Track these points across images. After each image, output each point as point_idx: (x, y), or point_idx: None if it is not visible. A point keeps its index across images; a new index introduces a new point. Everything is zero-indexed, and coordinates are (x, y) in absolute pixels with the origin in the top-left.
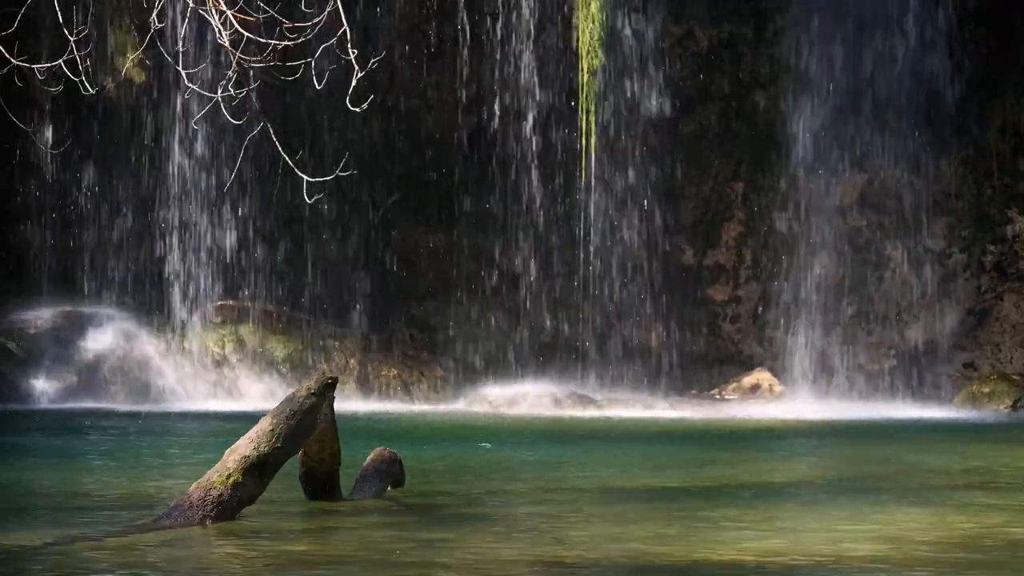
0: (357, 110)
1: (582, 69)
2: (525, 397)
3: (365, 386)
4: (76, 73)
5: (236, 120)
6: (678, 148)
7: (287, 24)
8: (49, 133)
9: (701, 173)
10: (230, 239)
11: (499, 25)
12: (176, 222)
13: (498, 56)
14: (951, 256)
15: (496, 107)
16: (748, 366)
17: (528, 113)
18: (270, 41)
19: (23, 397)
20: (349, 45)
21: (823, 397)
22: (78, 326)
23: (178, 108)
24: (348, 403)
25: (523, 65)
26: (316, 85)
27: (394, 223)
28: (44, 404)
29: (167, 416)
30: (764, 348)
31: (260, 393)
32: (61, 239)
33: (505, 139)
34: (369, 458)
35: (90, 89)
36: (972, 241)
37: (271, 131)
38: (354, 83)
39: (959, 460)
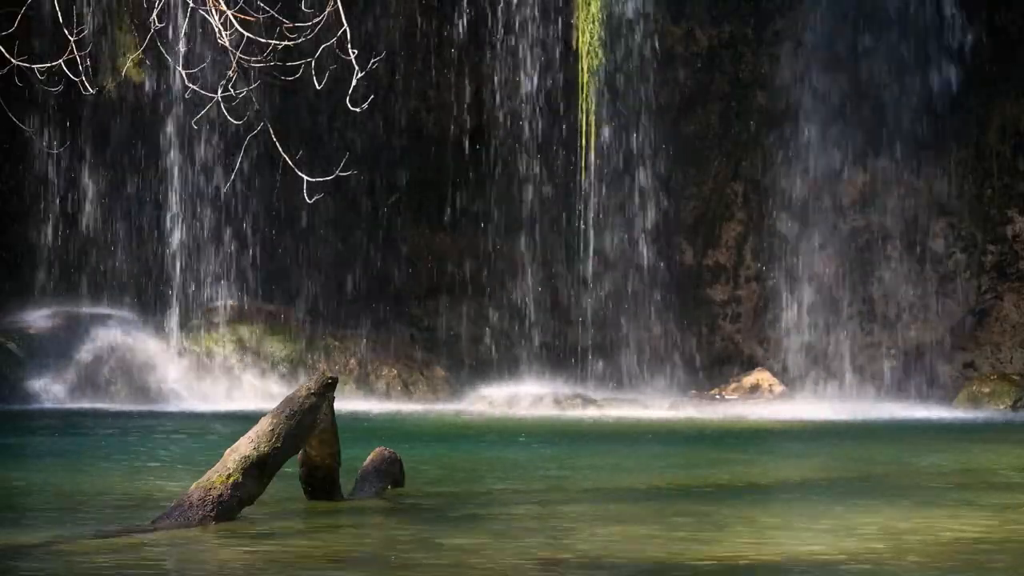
0: (357, 110)
1: (582, 69)
2: (525, 397)
3: (365, 386)
4: (76, 73)
5: (236, 120)
6: (678, 148)
7: (287, 24)
8: (49, 133)
9: (701, 173)
10: (230, 239)
11: (499, 25)
12: (176, 222)
13: (498, 56)
14: (951, 256)
15: (496, 107)
16: (748, 366)
17: (528, 113)
18: (270, 41)
19: (23, 397)
20: (349, 45)
21: (823, 397)
22: (78, 326)
23: (178, 108)
24: (348, 403)
25: (523, 65)
26: (316, 85)
27: (394, 223)
28: (44, 404)
29: (167, 416)
30: (764, 348)
31: (260, 393)
32: (61, 239)
33: (505, 139)
34: (369, 458)
35: (90, 89)
36: (972, 241)
37: (271, 131)
38: (354, 83)
39: (959, 460)
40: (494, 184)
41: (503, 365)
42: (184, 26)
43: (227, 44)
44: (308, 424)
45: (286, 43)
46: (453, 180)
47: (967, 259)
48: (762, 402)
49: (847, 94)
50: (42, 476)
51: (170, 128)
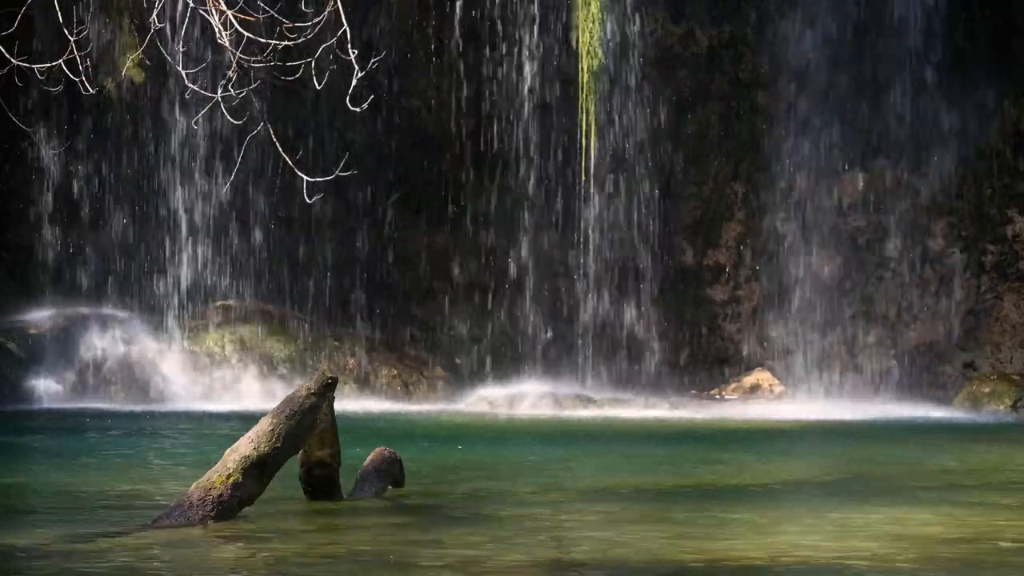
0: (357, 110)
1: (582, 69)
2: (525, 397)
3: (365, 386)
4: (76, 73)
5: (236, 120)
6: (678, 148)
7: (287, 24)
8: (49, 133)
9: (701, 173)
10: (230, 239)
11: (499, 25)
12: (176, 222)
13: (498, 56)
14: (951, 256)
15: (496, 107)
16: (748, 366)
17: (528, 113)
18: (270, 41)
19: (23, 397)
20: (349, 45)
21: (823, 397)
22: (78, 326)
23: (178, 108)
24: (348, 403)
25: (523, 65)
26: (316, 85)
27: (394, 223)
28: (44, 404)
29: (167, 416)
30: (764, 348)
31: (260, 393)
32: (61, 239)
33: (505, 139)
34: (369, 458)
35: (90, 89)
36: (972, 241)
37: (271, 131)
38: (354, 83)
39: (959, 460)
40: (494, 184)
41: (503, 365)
42: (184, 26)
43: (227, 44)
44: (308, 424)
45: (286, 43)
46: (453, 180)
47: (967, 259)
48: (762, 402)
49: (847, 94)
50: (42, 476)
51: (170, 128)
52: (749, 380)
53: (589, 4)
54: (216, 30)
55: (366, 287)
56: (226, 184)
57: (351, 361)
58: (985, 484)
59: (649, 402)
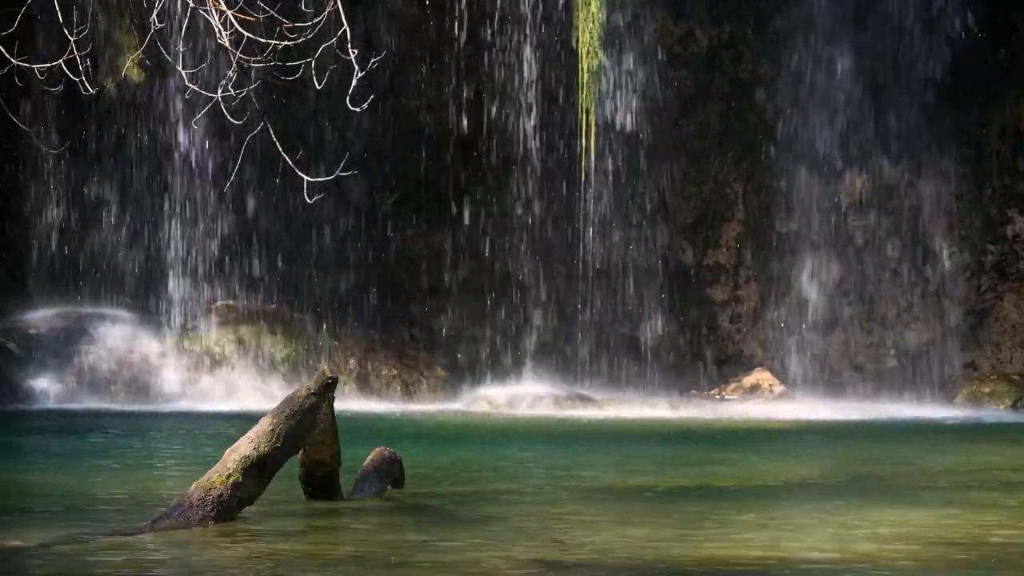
0: (357, 110)
1: (582, 69)
2: (525, 397)
3: (365, 386)
4: (76, 73)
5: (236, 120)
6: (678, 148)
7: (287, 24)
8: (49, 133)
9: (701, 173)
10: (230, 239)
11: (499, 25)
12: (176, 222)
13: (498, 56)
14: (951, 256)
15: (496, 107)
16: (748, 366)
17: (528, 112)
18: (270, 41)
19: (23, 397)
20: (349, 45)
21: (823, 397)
22: (78, 326)
23: (178, 108)
24: (348, 403)
25: (523, 65)
26: (316, 85)
27: (394, 223)
28: (44, 404)
29: (167, 416)
30: (764, 348)
31: (260, 393)
32: (61, 239)
33: (505, 139)
34: (369, 458)
35: (90, 89)
36: (972, 241)
37: (271, 131)
38: (354, 83)
39: (959, 460)
40: (494, 183)
41: (503, 365)
42: (184, 26)
43: (227, 44)
44: (308, 424)
45: (286, 43)
46: (453, 180)
47: (967, 259)
48: (762, 402)
49: (847, 94)
50: (42, 476)
51: (170, 128)
52: (749, 380)
53: (589, 4)
54: (216, 30)
55: (366, 287)
56: (226, 184)
57: (351, 361)
58: (986, 484)
59: (649, 402)
